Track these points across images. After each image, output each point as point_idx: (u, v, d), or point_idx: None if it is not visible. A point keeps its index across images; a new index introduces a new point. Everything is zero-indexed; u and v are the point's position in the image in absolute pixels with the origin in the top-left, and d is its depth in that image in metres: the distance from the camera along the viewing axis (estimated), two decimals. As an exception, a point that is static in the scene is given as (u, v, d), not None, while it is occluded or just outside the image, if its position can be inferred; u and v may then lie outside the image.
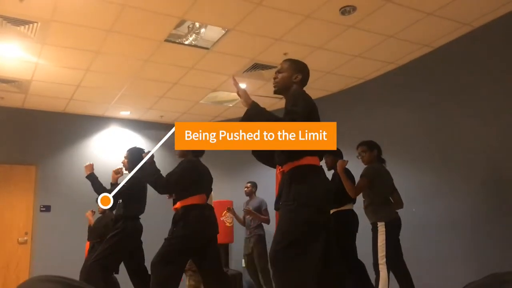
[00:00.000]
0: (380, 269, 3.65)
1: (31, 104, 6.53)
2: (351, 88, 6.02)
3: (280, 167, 2.41)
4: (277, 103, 6.63)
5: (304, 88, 2.55)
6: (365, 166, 3.98)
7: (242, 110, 7.78)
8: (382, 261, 3.65)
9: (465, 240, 4.36)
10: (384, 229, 3.70)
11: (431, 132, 4.84)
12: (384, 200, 3.86)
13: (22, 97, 6.21)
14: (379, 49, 4.87)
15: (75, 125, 7.00)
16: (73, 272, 6.18)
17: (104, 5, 3.84)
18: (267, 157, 2.59)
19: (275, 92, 2.55)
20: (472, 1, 3.94)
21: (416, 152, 4.99)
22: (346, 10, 4.02)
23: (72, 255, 6.54)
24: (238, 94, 2.34)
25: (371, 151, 3.98)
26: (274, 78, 2.53)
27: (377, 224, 3.75)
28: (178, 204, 3.50)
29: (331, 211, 3.80)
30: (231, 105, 6.75)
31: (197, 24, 4.32)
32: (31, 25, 4.16)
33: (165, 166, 7.30)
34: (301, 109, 2.28)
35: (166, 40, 4.57)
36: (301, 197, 2.17)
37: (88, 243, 5.41)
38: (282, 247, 2.14)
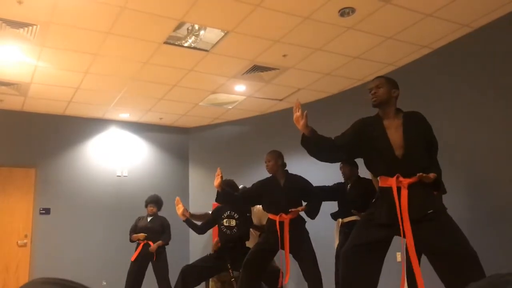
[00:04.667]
0: None
1: (30, 107, 6.53)
2: (350, 89, 6.01)
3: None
4: (275, 105, 6.63)
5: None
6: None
7: (242, 112, 7.69)
8: None
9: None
10: None
11: (430, 133, 4.84)
12: None
13: (22, 100, 6.20)
14: (378, 51, 4.88)
15: (75, 128, 6.99)
16: (73, 274, 6.18)
17: (103, 7, 3.84)
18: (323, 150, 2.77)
19: (375, 105, 2.69)
20: (471, 2, 3.95)
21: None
22: (345, 12, 4.03)
23: (72, 258, 6.54)
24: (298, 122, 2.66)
25: None
26: (375, 93, 2.66)
27: None
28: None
29: (348, 220, 4.17)
30: (230, 107, 6.75)
31: (196, 26, 4.33)
32: (30, 27, 4.16)
33: (165, 168, 7.31)
34: None
35: (165, 42, 4.57)
36: (369, 213, 2.62)
37: (142, 244, 5.41)
38: (348, 247, 2.59)
